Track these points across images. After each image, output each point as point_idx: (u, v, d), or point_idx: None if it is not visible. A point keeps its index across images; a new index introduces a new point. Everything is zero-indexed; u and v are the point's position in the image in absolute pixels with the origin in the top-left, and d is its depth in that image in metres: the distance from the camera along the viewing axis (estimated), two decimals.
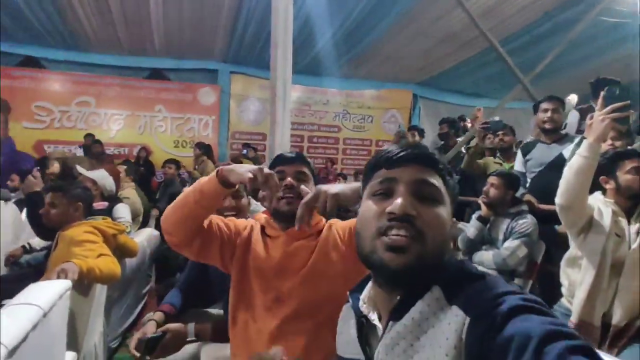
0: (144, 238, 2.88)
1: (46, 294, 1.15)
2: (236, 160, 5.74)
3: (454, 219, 0.71)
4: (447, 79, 7.67)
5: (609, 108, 1.47)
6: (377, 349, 0.64)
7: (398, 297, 0.63)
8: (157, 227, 3.81)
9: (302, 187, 1.14)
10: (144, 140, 6.89)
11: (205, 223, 1.14)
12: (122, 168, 3.51)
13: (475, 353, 0.51)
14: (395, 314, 0.63)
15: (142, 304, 3.05)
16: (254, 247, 1.18)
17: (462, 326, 0.54)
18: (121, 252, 2.15)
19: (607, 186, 1.77)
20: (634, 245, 1.64)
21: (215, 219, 1.20)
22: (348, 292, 0.77)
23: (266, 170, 1.01)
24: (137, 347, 1.29)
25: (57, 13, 5.17)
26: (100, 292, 1.87)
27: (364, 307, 0.71)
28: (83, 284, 1.65)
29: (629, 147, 2.02)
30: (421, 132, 4.49)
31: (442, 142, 4.11)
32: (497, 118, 3.11)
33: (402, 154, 0.66)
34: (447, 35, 5.56)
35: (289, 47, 2.85)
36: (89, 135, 6.03)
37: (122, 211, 2.62)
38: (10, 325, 0.92)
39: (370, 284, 0.73)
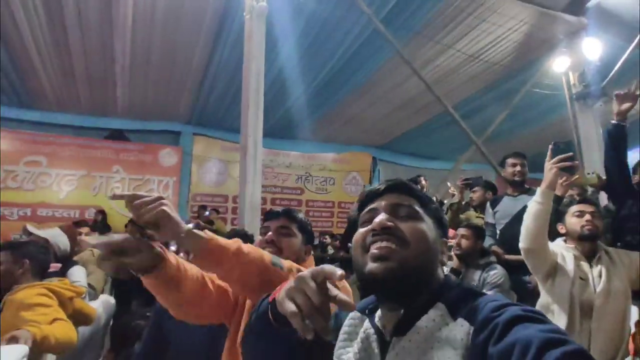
0: (98, 305, 2.64)
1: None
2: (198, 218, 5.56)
3: (445, 239, 0.73)
4: (403, 143, 8.14)
5: (555, 159, 1.67)
6: None
7: (402, 311, 0.65)
8: (113, 293, 3.50)
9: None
10: (98, 202, 6.51)
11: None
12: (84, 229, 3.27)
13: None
14: (399, 329, 0.64)
15: None
16: None
17: (468, 335, 0.56)
18: (77, 318, 1.93)
19: (562, 231, 1.91)
20: (599, 288, 1.72)
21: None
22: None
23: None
24: None
25: (15, 70, 5.06)
26: None
27: (378, 324, 0.70)
28: (33, 355, 1.45)
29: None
30: None
31: None
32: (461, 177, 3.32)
33: (380, 187, 0.74)
34: (403, 101, 6.02)
35: (261, 107, 2.94)
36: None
37: (78, 274, 2.40)
38: None
39: None
